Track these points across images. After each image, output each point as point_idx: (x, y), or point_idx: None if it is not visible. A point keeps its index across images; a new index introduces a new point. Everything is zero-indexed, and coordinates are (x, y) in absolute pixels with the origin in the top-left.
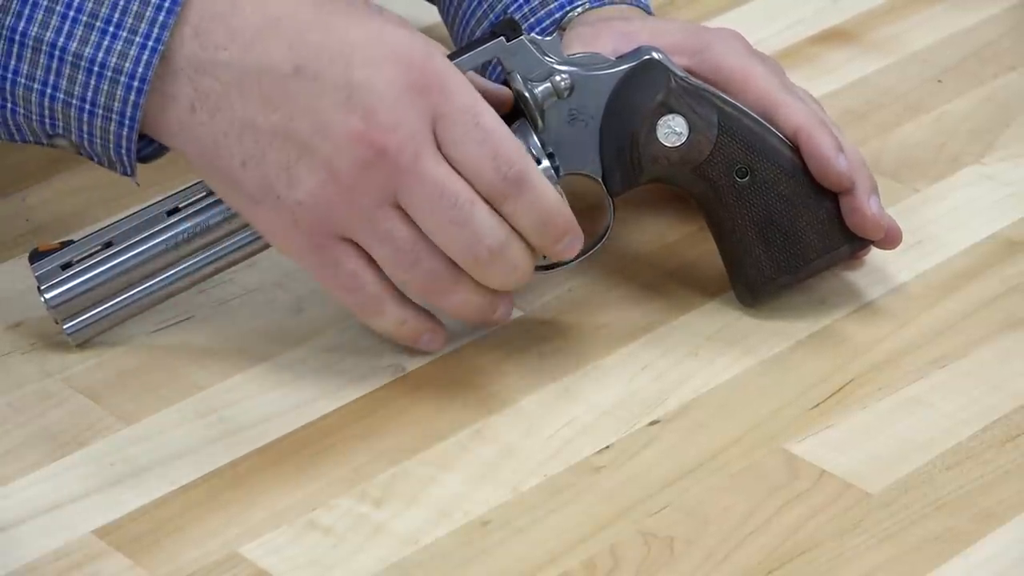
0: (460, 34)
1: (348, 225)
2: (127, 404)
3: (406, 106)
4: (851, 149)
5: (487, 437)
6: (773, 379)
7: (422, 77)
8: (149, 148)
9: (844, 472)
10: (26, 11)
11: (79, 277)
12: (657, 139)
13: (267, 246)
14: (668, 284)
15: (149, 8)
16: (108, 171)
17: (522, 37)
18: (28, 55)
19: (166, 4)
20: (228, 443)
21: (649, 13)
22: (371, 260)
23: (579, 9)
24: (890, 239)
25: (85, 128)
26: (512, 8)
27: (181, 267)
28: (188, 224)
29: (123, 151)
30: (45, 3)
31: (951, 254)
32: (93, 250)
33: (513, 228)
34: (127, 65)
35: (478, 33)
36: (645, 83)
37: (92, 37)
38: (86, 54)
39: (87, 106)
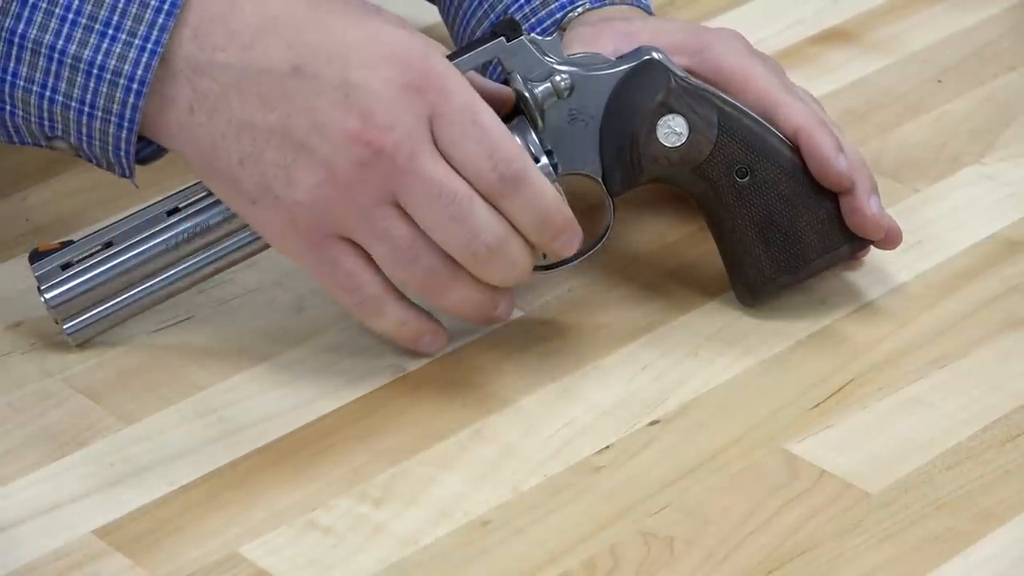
0: (460, 34)
1: (346, 224)
2: (127, 404)
3: (403, 105)
4: (851, 149)
5: (487, 437)
6: (773, 379)
7: (419, 77)
8: (147, 150)
9: (844, 472)
10: (25, 13)
11: (79, 277)
12: (657, 139)
13: (267, 246)
14: (668, 284)
15: (148, 11)
16: (107, 172)
17: (522, 37)
18: (27, 57)
19: (165, 6)
20: (228, 443)
21: (650, 13)
22: (370, 259)
23: (579, 9)
24: (890, 239)
25: (84, 130)
26: (512, 8)
27: (181, 267)
28: (188, 224)
29: (122, 153)
30: (44, 5)
31: (951, 254)
32: (93, 250)
33: (512, 225)
34: (126, 67)
35: (478, 33)
36: (645, 83)
37: (91, 40)
38: (85, 56)
39: (86, 108)
